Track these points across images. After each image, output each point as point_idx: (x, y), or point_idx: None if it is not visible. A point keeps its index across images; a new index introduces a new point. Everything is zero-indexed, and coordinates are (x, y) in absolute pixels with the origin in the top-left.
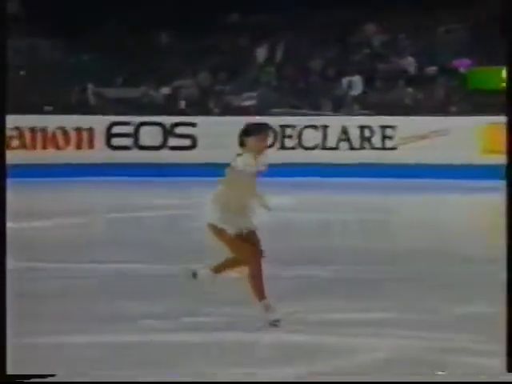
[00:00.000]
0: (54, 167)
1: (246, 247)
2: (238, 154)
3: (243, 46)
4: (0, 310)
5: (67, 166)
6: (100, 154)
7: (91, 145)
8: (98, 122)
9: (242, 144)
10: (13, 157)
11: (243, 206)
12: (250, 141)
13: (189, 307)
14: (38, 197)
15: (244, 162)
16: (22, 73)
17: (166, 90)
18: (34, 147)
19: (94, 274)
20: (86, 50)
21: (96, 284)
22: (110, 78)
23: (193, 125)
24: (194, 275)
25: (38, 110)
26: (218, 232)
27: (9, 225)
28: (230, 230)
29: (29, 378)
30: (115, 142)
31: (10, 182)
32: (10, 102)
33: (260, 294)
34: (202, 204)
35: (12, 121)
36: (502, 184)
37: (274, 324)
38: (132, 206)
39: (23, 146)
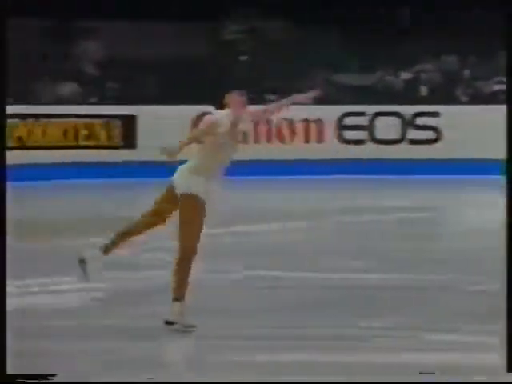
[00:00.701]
0: (279, 163)
1: (199, 229)
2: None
3: (497, 23)
4: (0, 309)
5: (295, 162)
6: (330, 148)
7: (320, 138)
8: (328, 113)
9: (221, 106)
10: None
11: (214, 173)
12: (231, 97)
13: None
14: (258, 197)
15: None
16: (243, 58)
17: (405, 76)
18: (257, 141)
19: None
20: (317, 31)
21: (320, 296)
22: (343, 62)
23: (436, 115)
24: (82, 262)
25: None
26: (187, 197)
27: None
28: (199, 199)
29: (29, 378)
30: (347, 134)
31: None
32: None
33: (183, 293)
34: (440, 207)
35: None
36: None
37: (189, 330)
38: (361, 207)
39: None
